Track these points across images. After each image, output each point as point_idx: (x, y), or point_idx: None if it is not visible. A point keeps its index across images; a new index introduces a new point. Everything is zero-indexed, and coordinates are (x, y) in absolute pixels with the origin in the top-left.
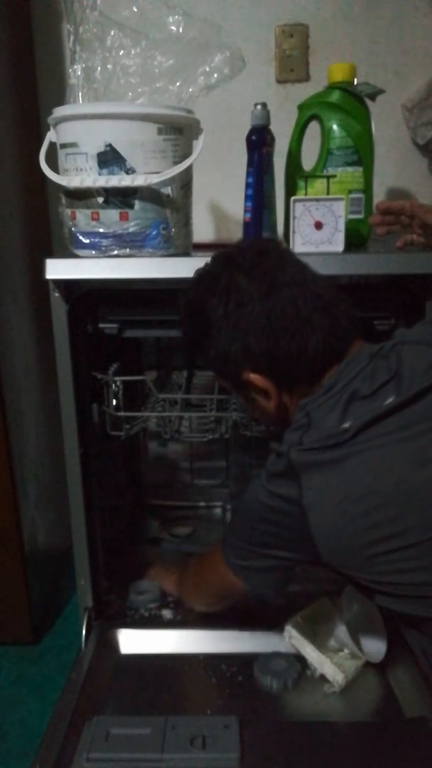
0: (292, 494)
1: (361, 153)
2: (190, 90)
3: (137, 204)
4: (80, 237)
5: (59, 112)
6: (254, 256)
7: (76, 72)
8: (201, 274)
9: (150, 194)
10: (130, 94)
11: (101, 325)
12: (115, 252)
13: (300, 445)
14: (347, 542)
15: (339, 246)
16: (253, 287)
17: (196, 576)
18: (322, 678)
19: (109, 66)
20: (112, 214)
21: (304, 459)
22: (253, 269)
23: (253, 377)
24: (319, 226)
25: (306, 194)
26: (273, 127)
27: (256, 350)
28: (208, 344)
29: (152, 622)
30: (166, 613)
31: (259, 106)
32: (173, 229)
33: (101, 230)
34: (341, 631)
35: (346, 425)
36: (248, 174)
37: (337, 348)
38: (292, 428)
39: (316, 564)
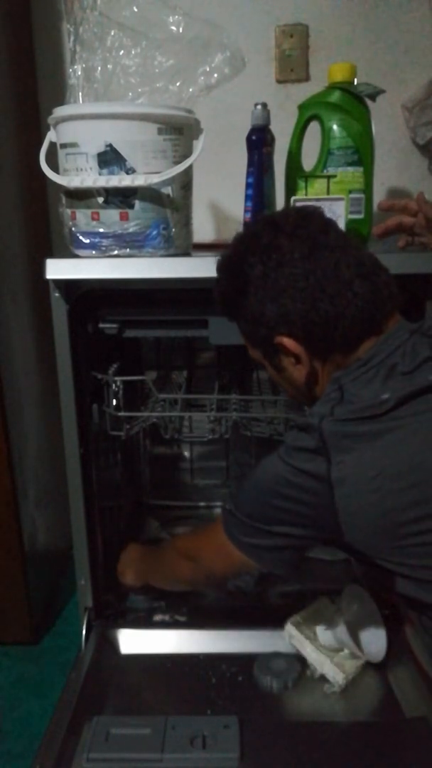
0: (319, 469)
1: (361, 153)
2: (190, 90)
3: (137, 204)
4: (80, 237)
5: (59, 112)
6: (298, 219)
7: (76, 72)
8: (241, 234)
9: (150, 194)
10: (130, 94)
11: (101, 325)
12: (115, 252)
13: (332, 416)
14: (378, 520)
15: None
16: (295, 248)
17: (190, 554)
18: (322, 678)
19: (109, 66)
20: (112, 214)
21: (336, 430)
22: (296, 231)
23: (286, 341)
24: None
25: (306, 194)
26: (273, 127)
27: (292, 312)
28: (243, 304)
29: (152, 622)
30: (166, 614)
31: (259, 106)
32: (173, 229)
33: (101, 230)
34: (341, 631)
35: (385, 396)
36: (248, 174)
37: (376, 318)
38: (322, 401)
39: (329, 544)
